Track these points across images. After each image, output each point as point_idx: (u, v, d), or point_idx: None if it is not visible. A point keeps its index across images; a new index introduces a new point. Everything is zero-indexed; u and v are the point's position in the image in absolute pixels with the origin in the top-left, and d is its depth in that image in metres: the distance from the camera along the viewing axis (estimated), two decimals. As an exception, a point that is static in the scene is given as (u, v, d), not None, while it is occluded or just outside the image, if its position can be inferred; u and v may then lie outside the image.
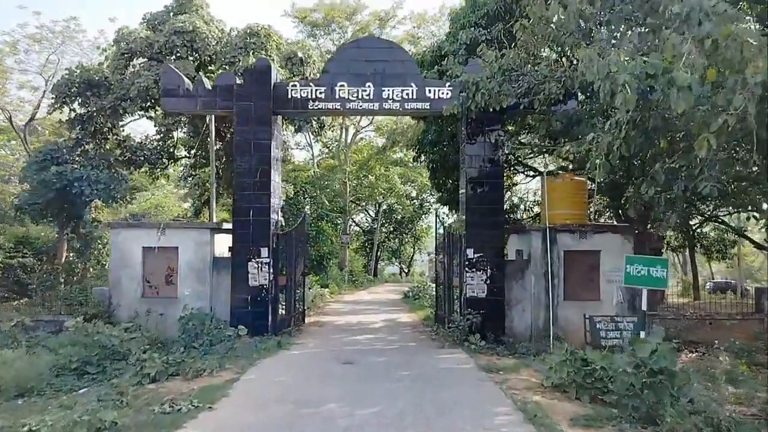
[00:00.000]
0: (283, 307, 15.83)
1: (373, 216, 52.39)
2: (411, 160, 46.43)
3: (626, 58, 7.66)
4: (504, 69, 12.49)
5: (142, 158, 20.97)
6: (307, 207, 41.27)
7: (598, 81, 7.81)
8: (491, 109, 13.86)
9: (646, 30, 9.14)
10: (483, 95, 12.22)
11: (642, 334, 8.85)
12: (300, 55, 17.61)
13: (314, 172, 41.78)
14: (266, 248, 14.65)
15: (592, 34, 12.58)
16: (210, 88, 15.09)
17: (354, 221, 53.49)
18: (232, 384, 9.60)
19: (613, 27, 10.04)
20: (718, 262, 42.40)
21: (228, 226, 15.33)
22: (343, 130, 43.19)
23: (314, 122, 20.25)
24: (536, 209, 22.94)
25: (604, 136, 9.73)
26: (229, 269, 14.77)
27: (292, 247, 16.20)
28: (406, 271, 61.57)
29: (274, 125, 15.10)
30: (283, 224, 17.43)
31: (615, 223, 18.62)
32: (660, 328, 8.10)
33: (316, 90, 15.01)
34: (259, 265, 14.60)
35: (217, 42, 18.37)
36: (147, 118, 20.57)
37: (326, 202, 41.20)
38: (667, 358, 6.95)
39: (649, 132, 9.12)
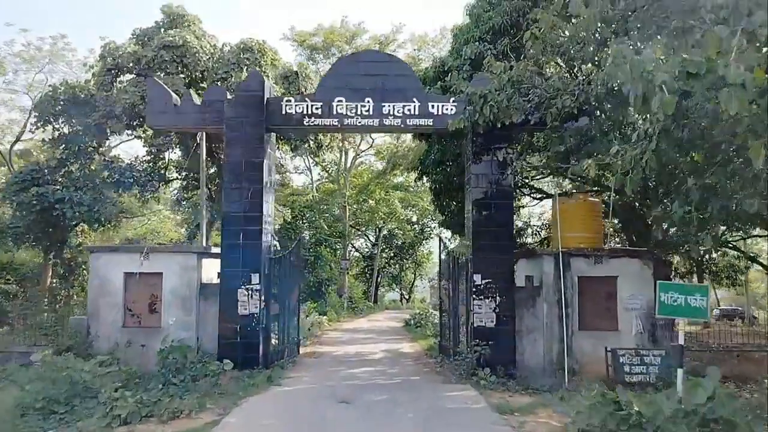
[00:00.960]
0: (276, 337, 14.73)
1: (373, 241, 51.32)
2: (413, 182, 45.72)
3: (662, 57, 6.70)
4: (513, 81, 11.56)
5: (131, 180, 19.99)
6: (306, 232, 40.35)
7: (630, 83, 6.83)
8: (499, 125, 12.89)
9: (678, 31, 8.19)
10: (491, 108, 11.25)
11: (680, 373, 7.75)
12: (296, 70, 16.68)
13: (313, 196, 40.87)
14: (257, 274, 13.58)
15: (608, 42, 11.73)
16: (198, 103, 14.16)
17: (354, 246, 52.43)
18: (210, 429, 8.47)
19: (639, 28, 9.07)
20: (728, 289, 41.27)
21: (217, 250, 14.28)
22: (343, 153, 42.34)
23: (311, 142, 19.33)
24: (544, 233, 21.90)
25: (629, 149, 8.78)
26: (217, 297, 13.69)
27: (286, 272, 15.14)
28: (407, 297, 60.34)
29: (267, 143, 14.14)
30: (279, 248, 16.40)
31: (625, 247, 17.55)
32: (716, 369, 6.99)
33: (312, 106, 14.07)
34: (250, 292, 13.52)
35: (209, 57, 17.51)
36: (135, 137, 19.66)
37: (325, 226, 40.23)
38: (726, 406, 5.86)
39: (683, 143, 8.12)
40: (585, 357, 13.49)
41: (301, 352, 16.98)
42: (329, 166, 43.54)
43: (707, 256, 31.92)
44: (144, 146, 20.39)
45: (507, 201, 13.89)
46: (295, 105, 14.09)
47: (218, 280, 13.84)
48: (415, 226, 52.68)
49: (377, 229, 48.96)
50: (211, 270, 14.24)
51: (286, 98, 14.29)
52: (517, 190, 19.94)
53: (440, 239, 16.60)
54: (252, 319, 13.48)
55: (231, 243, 13.66)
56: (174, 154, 20.87)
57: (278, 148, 20.25)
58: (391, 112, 14.02)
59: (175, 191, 23.58)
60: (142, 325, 13.97)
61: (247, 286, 13.53)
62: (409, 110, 14.03)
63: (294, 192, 40.60)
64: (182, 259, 13.95)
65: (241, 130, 13.88)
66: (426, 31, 50.24)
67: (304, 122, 14.06)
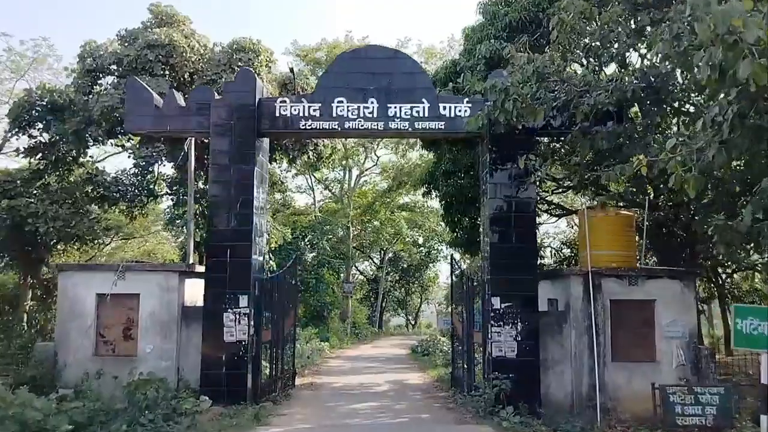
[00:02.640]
0: (268, 367, 13.09)
1: (378, 264, 49.59)
2: (419, 201, 44.21)
3: (756, 9, 5.16)
4: (539, 73, 10.05)
5: (117, 195, 18.49)
6: (306, 253, 38.74)
7: (708, 42, 5.29)
8: (520, 127, 11.44)
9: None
10: (515, 102, 9.71)
11: (765, 420, 6.07)
12: (292, 74, 15.17)
13: (315, 216, 39.35)
14: (246, 295, 11.98)
15: (648, 27, 10.24)
16: (183, 104, 12.67)
17: (358, 269, 50.74)
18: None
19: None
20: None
21: (202, 269, 12.67)
22: (346, 171, 40.88)
23: (310, 152, 17.82)
24: (565, 252, 20.24)
25: (690, 142, 7.23)
26: (201, 321, 12.08)
27: (280, 294, 13.53)
28: (413, 322, 58.43)
29: (258, 149, 12.62)
30: (275, 268, 14.81)
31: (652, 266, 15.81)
32: None
33: (309, 107, 12.57)
34: (237, 316, 11.91)
35: (198, 58, 16.08)
36: (117, 146, 18.17)
37: (327, 248, 38.64)
38: None
39: (764, 132, 6.53)
40: (619, 392, 11.82)
41: (298, 383, 15.30)
42: (332, 184, 42.05)
43: (729, 280, 30.20)
44: (129, 157, 18.90)
45: (529, 214, 12.28)
46: (291, 106, 12.59)
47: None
48: (422, 248, 50.99)
49: (382, 251, 47.26)
50: (195, 291, 12.64)
51: (280, 99, 12.79)
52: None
53: (452, 258, 14.97)
54: (239, 347, 11.85)
55: (216, 261, 12.09)
56: (164, 167, 19.38)
57: (274, 159, 18.74)
58: (398, 114, 12.51)
59: (168, 209, 22.02)
60: (116, 353, 12.36)
61: (234, 310, 11.92)
62: (418, 112, 12.52)
63: (295, 212, 39.12)
64: (162, 279, 12.36)
65: (229, 134, 12.38)
66: (433, 44, 48.76)
67: (300, 125, 12.55)
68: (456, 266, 14.62)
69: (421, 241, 50.16)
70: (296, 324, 14.73)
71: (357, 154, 39.76)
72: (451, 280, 14.73)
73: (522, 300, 11.94)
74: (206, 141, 13.27)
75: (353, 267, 46.68)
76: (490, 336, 11.94)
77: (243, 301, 11.97)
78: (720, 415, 9.03)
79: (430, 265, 52.05)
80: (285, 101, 12.69)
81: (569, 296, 12.34)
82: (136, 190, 19.09)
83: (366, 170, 42.01)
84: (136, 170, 18.92)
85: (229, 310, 11.92)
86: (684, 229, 15.94)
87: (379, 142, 39.31)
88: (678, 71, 9.93)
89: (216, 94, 12.84)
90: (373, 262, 50.97)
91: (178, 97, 12.76)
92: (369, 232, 43.48)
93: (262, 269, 12.90)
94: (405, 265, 50.33)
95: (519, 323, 11.87)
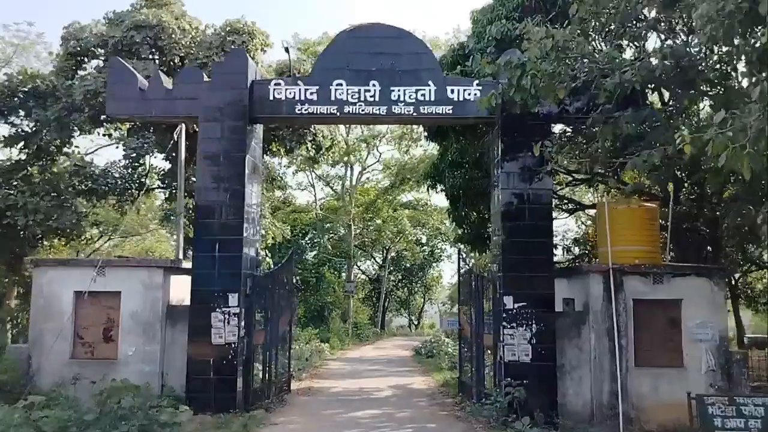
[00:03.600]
0: (261, 371, 12.12)
1: (380, 263, 48.54)
2: (422, 199, 43.13)
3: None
4: (559, 47, 9.05)
5: (106, 188, 17.51)
6: (309, 252, 37.79)
7: None
8: (536, 109, 10.48)
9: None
10: (533, 78, 8.70)
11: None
12: (290, 53, 14.11)
13: (316, 214, 38.40)
14: (236, 294, 10.99)
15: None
16: (169, 87, 11.69)
17: (360, 269, 49.72)
18: None
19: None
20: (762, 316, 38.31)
21: (190, 264, 11.69)
22: (348, 168, 39.88)
23: (309, 143, 16.81)
24: (580, 249, 19.19)
25: (741, 116, 6.24)
26: (187, 322, 11.11)
27: (274, 292, 12.55)
28: (416, 323, 57.40)
29: (250, 135, 11.65)
30: (272, 266, 13.86)
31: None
32: None
33: (305, 90, 11.59)
34: (226, 316, 10.93)
35: (189, 41, 15.08)
36: (105, 135, 17.19)
37: (329, 246, 37.70)
38: None
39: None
40: (644, 401, 10.87)
41: (294, 387, 14.35)
42: (333, 181, 41.06)
43: (742, 279, 29.17)
44: (117, 148, 17.91)
45: (544, 206, 11.27)
46: (286, 89, 11.61)
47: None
48: (425, 247, 49.96)
49: (384, 250, 46.22)
50: (181, 289, 11.66)
51: (274, 81, 11.82)
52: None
53: (459, 253, 13.95)
54: (229, 350, 10.87)
55: (203, 256, 11.11)
56: (155, 159, 18.40)
57: (270, 151, 17.73)
58: (402, 98, 11.52)
59: (160, 204, 21.05)
60: (95, 356, 11.40)
61: (223, 309, 10.94)
62: (424, 95, 11.53)
63: (296, 209, 38.19)
64: (146, 276, 11.38)
65: (218, 119, 11.41)
66: (437, 36, 47.49)
67: (296, 110, 11.57)
68: (464, 262, 13.61)
69: (424, 240, 49.15)
70: (292, 324, 13.76)
71: (359, 150, 38.74)
72: (459, 277, 13.72)
73: (537, 299, 10.94)
74: (196, 127, 12.27)
75: (355, 266, 45.69)
76: (502, 338, 10.94)
77: (233, 299, 10.98)
78: (766, 428, 8.02)
79: (434, 264, 51.07)
80: (280, 84, 11.71)
81: (588, 295, 11.35)
82: (127, 184, 18.10)
83: (368, 167, 41.01)
84: (126, 162, 17.93)
85: (217, 309, 10.94)
86: (707, 224, 14.93)
87: (381, 138, 38.33)
88: (716, 46, 8.97)
89: (205, 76, 11.86)
90: (376, 261, 49.95)
91: (164, 79, 11.79)
92: (371, 231, 42.47)
93: (255, 266, 11.92)
94: (408, 265, 49.29)
95: (534, 325, 10.87)
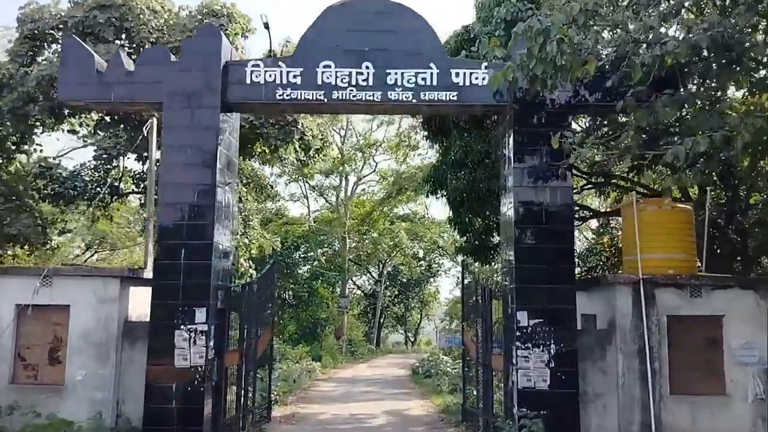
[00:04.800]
0: (236, 398, 10.48)
1: (376, 278, 46.81)
2: (420, 211, 41.57)
3: None
4: (588, 10, 7.56)
5: (74, 192, 15.91)
6: (302, 266, 36.20)
7: None
8: (553, 99, 9.10)
9: None
10: (560, 45, 7.17)
11: None
12: (269, 29, 12.53)
13: (309, 226, 36.83)
14: (203, 308, 9.37)
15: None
16: (131, 69, 10.14)
17: (355, 283, 48.02)
18: None
19: None
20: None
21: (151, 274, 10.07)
22: (343, 178, 38.34)
23: (297, 142, 15.23)
24: (591, 259, 17.60)
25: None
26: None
27: (253, 306, 10.95)
28: (412, 340, 55.61)
29: (224, 124, 10.09)
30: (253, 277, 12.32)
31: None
32: None
33: (288, 73, 10.05)
34: (192, 334, 9.30)
35: (162, 24, 13.53)
36: (69, 131, 15.60)
37: (322, 260, 36.10)
38: None
39: None
40: (682, 435, 9.25)
41: (276, 414, 12.73)
42: (327, 192, 39.46)
43: None
44: (86, 147, 16.31)
45: (565, 206, 9.69)
46: (265, 72, 10.06)
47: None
48: (422, 261, 48.34)
49: (380, 265, 44.54)
50: (142, 303, 10.03)
51: (252, 62, 10.25)
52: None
53: (463, 264, 12.37)
54: (195, 375, 9.23)
55: (166, 264, 9.50)
56: (129, 161, 16.81)
57: (254, 152, 16.15)
58: (399, 82, 9.99)
59: (137, 212, 19.44)
60: (39, 380, 9.78)
61: (189, 326, 9.31)
62: (425, 79, 9.99)
63: (288, 221, 36.63)
64: (99, 287, 9.77)
65: (186, 105, 9.85)
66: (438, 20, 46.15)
67: (277, 95, 10.01)
68: (468, 274, 12.00)
69: (421, 254, 47.59)
70: (273, 343, 12.13)
71: (354, 159, 37.27)
72: (462, 290, 12.12)
73: (556, 315, 9.33)
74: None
75: (350, 281, 44.04)
76: (515, 361, 9.33)
77: (200, 315, 9.36)
78: None
79: (431, 279, 49.48)
80: (258, 65, 10.16)
81: (614, 311, 9.78)
82: (98, 188, 16.49)
83: (364, 177, 39.45)
84: (97, 164, 16.34)
85: (182, 327, 9.31)
86: (737, 232, 13.43)
87: (377, 147, 36.86)
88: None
89: (173, 56, 10.32)
90: (371, 276, 48.25)
91: (125, 60, 10.22)
92: (366, 244, 40.84)
93: (228, 276, 10.32)
94: (404, 280, 47.61)
95: (552, 345, 9.25)
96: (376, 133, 38.03)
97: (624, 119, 10.32)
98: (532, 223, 9.60)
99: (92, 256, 36.99)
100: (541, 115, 9.67)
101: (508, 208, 10.01)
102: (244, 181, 21.47)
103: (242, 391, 10.61)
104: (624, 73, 8.43)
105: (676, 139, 8.76)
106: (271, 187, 25.03)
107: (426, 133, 14.76)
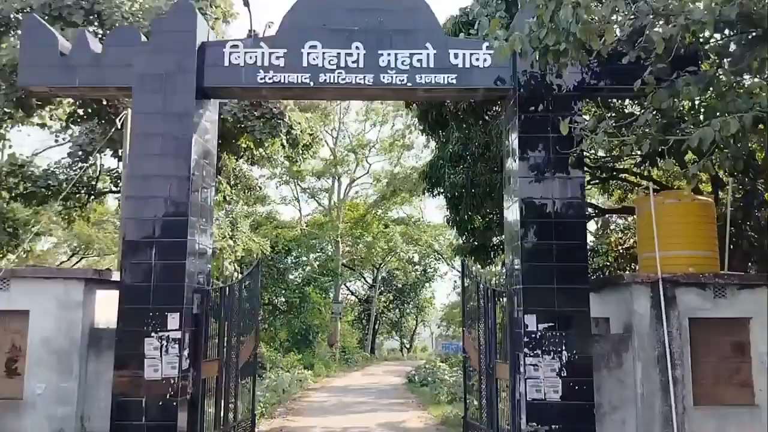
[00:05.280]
0: (215, 413, 9.51)
1: (371, 283, 45.85)
2: (415, 214, 40.69)
3: None
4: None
5: (48, 191, 14.97)
6: (294, 271, 35.26)
7: None
8: (560, 84, 8.26)
9: None
10: (574, 12, 6.29)
11: None
12: (248, 4, 11.58)
13: (301, 229, 35.91)
14: (177, 314, 8.43)
15: None
16: (98, 51, 9.21)
17: (349, 289, 47.09)
18: None
19: None
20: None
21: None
22: (335, 180, 37.43)
23: (283, 136, 14.29)
24: (598, 259, 16.69)
25: None
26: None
27: (234, 311, 10.00)
28: (408, 346, 54.64)
29: (200, 110, 9.18)
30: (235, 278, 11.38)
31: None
32: None
33: (271, 54, 9.14)
34: (164, 342, 8.35)
35: (138, 7, 12.58)
36: (39, 125, 14.65)
37: (315, 264, 35.17)
38: None
39: None
40: (707, 450, 8.35)
41: (263, 428, 11.80)
42: (319, 194, 38.54)
43: None
44: (57, 141, 15.36)
45: (575, 198, 8.79)
46: (245, 53, 9.15)
47: (121, 324, 8.69)
48: (417, 266, 47.47)
49: (375, 269, 43.60)
50: (111, 308, 9.05)
51: (230, 43, 9.33)
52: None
53: (463, 264, 11.43)
54: (167, 387, 8.27)
55: (135, 264, 8.56)
56: (106, 158, 15.87)
57: (239, 148, 15.23)
58: (393, 64, 9.08)
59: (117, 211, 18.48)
60: (-5, 395, 8.78)
61: (161, 334, 8.36)
62: (420, 61, 9.10)
63: (279, 225, 35.69)
64: (61, 291, 8.80)
65: (158, 90, 8.92)
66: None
67: (258, 79, 9.10)
68: (469, 274, 11.08)
69: (416, 258, 46.75)
70: (257, 351, 11.19)
71: (346, 161, 36.38)
72: (463, 292, 11.18)
73: (568, 319, 8.41)
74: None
75: (343, 286, 43.10)
76: (522, 370, 8.41)
77: (173, 321, 8.41)
78: None
79: (426, 284, 48.62)
80: (237, 46, 9.24)
81: (631, 314, 8.89)
82: (74, 187, 15.56)
83: (357, 179, 38.54)
84: (72, 161, 15.40)
85: (152, 334, 8.36)
86: (756, 229, 12.58)
87: (370, 148, 35.97)
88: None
89: (143, 37, 9.40)
90: (365, 281, 47.30)
91: (92, 41, 9.29)
92: (360, 248, 39.90)
93: (206, 278, 9.38)
94: (399, 285, 46.71)
95: (564, 352, 8.33)
96: (369, 134, 37.22)
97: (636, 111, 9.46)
98: (539, 217, 8.69)
99: (78, 262, 35.98)
100: (548, 100, 8.84)
101: (512, 202, 9.11)
102: (232, 182, 20.67)
103: (222, 406, 9.64)
104: (642, 48, 7.56)
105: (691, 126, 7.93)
106: (260, 188, 24.19)
107: (422, 127, 13.82)
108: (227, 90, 9.50)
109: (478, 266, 15.35)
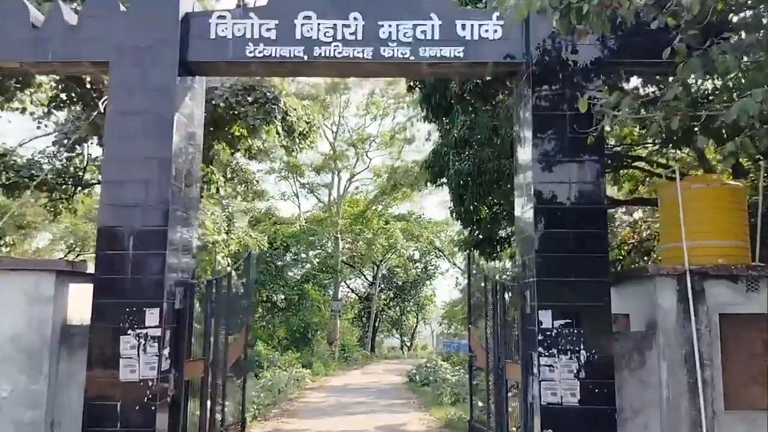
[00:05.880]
0: (200, 417, 8.75)
1: (371, 280, 45.07)
2: (416, 210, 39.96)
3: None
4: None
5: (31, 181, 14.18)
6: (293, 269, 34.54)
7: None
8: (575, 60, 7.53)
9: None
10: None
11: None
12: None
13: (300, 226, 35.17)
14: (156, 309, 7.67)
15: None
16: (73, 23, 8.44)
17: (349, 287, 46.35)
18: None
19: None
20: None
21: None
22: (335, 175, 36.68)
23: (278, 122, 13.47)
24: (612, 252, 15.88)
25: None
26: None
27: (220, 306, 9.22)
28: (408, 344, 53.87)
29: (184, 87, 8.42)
30: (234, 276, 10.62)
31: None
32: None
33: (261, 25, 8.37)
34: (142, 340, 7.59)
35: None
36: (19, 111, 13.85)
37: (314, 261, 34.44)
38: None
39: None
40: (741, 460, 7.58)
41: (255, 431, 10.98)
42: (319, 190, 37.74)
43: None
44: (38, 128, 14.59)
45: (595, 182, 8.01)
46: (233, 24, 8.38)
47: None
48: (418, 263, 46.72)
49: (375, 266, 42.81)
50: (85, 303, 8.27)
51: (217, 14, 8.57)
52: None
53: (469, 257, 10.64)
54: (145, 390, 7.52)
55: (110, 255, 7.80)
56: (93, 147, 15.11)
57: (234, 138, 14.45)
58: (394, 36, 8.31)
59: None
60: (-43, 398, 8.00)
61: (138, 331, 7.61)
62: (425, 32, 8.32)
63: (278, 221, 34.97)
64: (30, 284, 8.00)
65: (137, 63, 8.16)
66: None
67: (248, 52, 8.33)
68: (475, 267, 10.30)
69: (417, 255, 46.03)
70: (248, 349, 10.40)
71: (346, 156, 35.64)
72: (469, 286, 10.39)
73: (587, 315, 7.65)
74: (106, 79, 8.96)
75: (343, 284, 42.36)
76: (536, 371, 7.64)
77: (152, 317, 7.65)
78: None
79: (427, 282, 47.87)
80: (224, 17, 8.47)
81: (655, 309, 8.12)
82: (60, 177, 14.82)
83: (357, 174, 37.77)
84: (57, 150, 14.63)
85: (129, 331, 7.61)
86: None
87: (371, 142, 35.19)
88: None
89: (122, 6, 8.62)
90: (366, 278, 46.52)
91: (66, 12, 8.53)
92: (360, 245, 39.12)
93: (191, 271, 8.62)
94: (400, 282, 45.93)
95: (583, 351, 7.57)
96: (370, 128, 36.47)
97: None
98: (554, 203, 7.93)
99: (75, 258, 35.24)
100: (564, 75, 8.08)
101: (525, 187, 8.34)
102: (228, 175, 19.99)
103: (208, 409, 8.87)
104: (671, 13, 6.79)
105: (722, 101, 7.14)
106: (257, 182, 23.46)
107: (424, 113, 13.03)
108: (213, 65, 8.70)
109: (483, 261, 14.58)
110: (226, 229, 19.93)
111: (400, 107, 33.36)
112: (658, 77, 9.08)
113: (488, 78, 11.22)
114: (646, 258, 14.86)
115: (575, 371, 7.54)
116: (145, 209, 7.85)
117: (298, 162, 33.41)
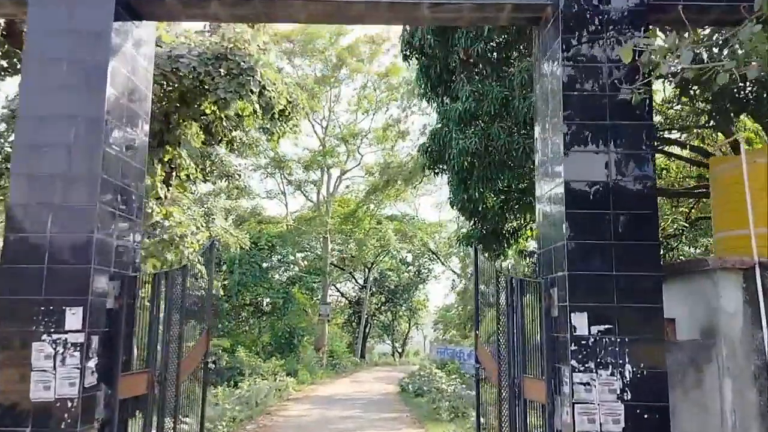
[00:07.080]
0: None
1: (362, 284, 43.30)
2: (421, 171, 38.00)
3: None
4: None
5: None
6: (278, 271, 32.82)
7: None
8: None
9: None
10: None
11: None
12: None
13: (287, 225, 33.47)
14: (80, 307, 5.94)
15: None
16: (-12, -49, 6.73)
17: (338, 290, 44.60)
18: None
19: None
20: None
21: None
22: (324, 172, 34.96)
23: (254, 96, 11.71)
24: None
25: None
26: (-3, 359, 6.03)
27: (171, 306, 7.47)
28: (400, 351, 52.13)
29: (123, 32, 6.70)
30: (204, 273, 8.93)
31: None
32: None
33: (222, -45, 6.69)
34: (60, 348, 5.87)
35: None
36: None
37: (301, 262, 32.72)
38: None
39: None
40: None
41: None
42: (307, 187, 35.98)
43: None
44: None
45: (642, 151, 6.32)
46: (187, -47, 6.69)
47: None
48: (410, 267, 45.10)
49: (366, 269, 41.07)
50: None
51: (167, -61, 6.87)
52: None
53: (476, 251, 8.90)
54: (64, 412, 5.79)
55: (20, 238, 6.07)
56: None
57: (202, 115, 12.72)
58: (389, -32, 6.66)
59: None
60: None
61: (55, 336, 5.88)
62: (428, -36, 6.68)
63: (264, 220, 33.27)
64: None
65: (62, 1, 6.46)
66: None
67: (205, -13, 6.65)
68: (485, 261, 8.58)
69: (410, 258, 44.41)
70: (208, 359, 8.63)
71: (336, 152, 33.97)
72: (476, 284, 8.67)
73: (634, 319, 5.97)
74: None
75: (333, 287, 40.62)
76: (567, 390, 5.95)
77: (73, 318, 5.92)
78: None
79: (420, 286, 46.29)
80: (176, -57, 6.78)
81: (713, 313, 6.44)
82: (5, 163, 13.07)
83: (348, 171, 36.05)
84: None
85: (43, 337, 5.88)
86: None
87: (362, 137, 33.51)
88: None
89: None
90: (356, 281, 44.76)
91: (-21, -62, 6.81)
92: (351, 247, 37.40)
93: (131, 261, 6.90)
94: (392, 286, 44.23)
95: (629, 365, 5.88)
96: (362, 123, 34.85)
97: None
98: (591, 178, 6.25)
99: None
100: (602, 18, 6.43)
101: (551, 160, 6.66)
102: (208, 169, 18.34)
103: (154, 433, 7.13)
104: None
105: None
106: (239, 175, 21.77)
107: (422, 90, 11.37)
108: (161, 4, 6.96)
109: (490, 256, 12.89)
110: (204, 225, 18.23)
111: (393, 99, 31.78)
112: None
113: (499, 40, 9.60)
114: (672, 254, 13.22)
115: (618, 391, 5.85)
116: (68, 180, 6.13)
117: (285, 157, 31.72)
